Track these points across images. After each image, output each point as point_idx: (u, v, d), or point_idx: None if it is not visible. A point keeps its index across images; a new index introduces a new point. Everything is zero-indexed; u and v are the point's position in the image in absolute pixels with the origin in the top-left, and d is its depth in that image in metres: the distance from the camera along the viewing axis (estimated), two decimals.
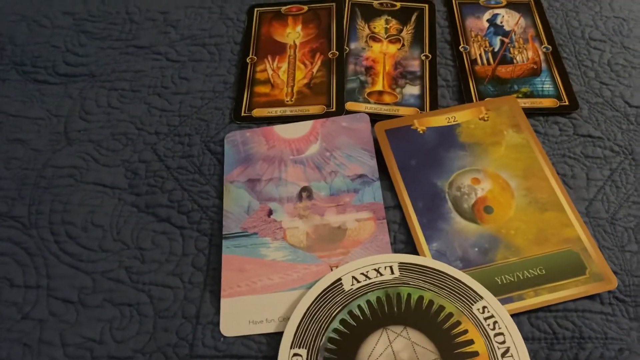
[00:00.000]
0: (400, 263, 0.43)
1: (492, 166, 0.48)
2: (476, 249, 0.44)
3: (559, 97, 0.54)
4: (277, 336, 0.41)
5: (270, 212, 0.47)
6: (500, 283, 0.42)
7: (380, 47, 0.59)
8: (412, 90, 0.55)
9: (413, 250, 0.45)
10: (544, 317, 0.42)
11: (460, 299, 0.41)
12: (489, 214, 0.46)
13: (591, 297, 0.42)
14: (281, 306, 0.43)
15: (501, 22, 0.61)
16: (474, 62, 0.57)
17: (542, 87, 0.55)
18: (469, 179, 0.47)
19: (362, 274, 0.43)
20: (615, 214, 0.47)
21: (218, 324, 0.43)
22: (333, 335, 0.40)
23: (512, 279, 0.42)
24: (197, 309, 0.44)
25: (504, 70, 0.56)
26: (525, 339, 0.41)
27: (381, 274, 0.43)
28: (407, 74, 0.56)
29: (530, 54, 0.58)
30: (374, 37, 0.60)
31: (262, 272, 0.44)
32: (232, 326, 0.42)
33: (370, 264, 0.43)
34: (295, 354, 0.40)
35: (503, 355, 0.39)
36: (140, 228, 0.48)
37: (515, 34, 0.60)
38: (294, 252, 0.45)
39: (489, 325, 0.40)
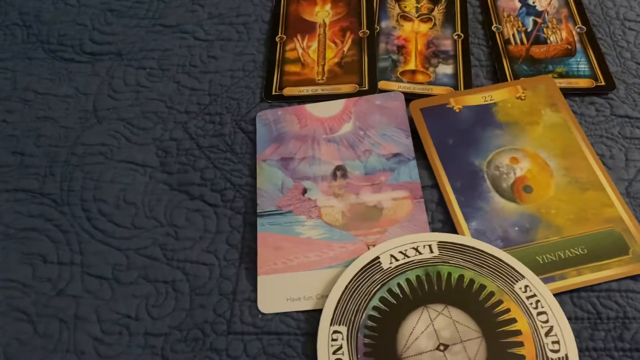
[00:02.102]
0: (440, 242, 0.43)
1: (530, 146, 0.47)
2: (516, 228, 0.43)
3: (595, 77, 0.53)
4: (315, 314, 0.41)
5: (304, 191, 0.47)
6: (541, 262, 0.42)
7: (412, 26, 0.58)
8: (446, 69, 0.54)
9: (452, 229, 0.45)
10: (587, 297, 0.41)
11: (502, 278, 0.41)
12: (529, 194, 0.45)
13: (634, 277, 0.42)
14: (319, 284, 0.42)
15: (533, 2, 0.60)
16: (507, 42, 0.56)
17: (578, 68, 0.54)
18: (508, 158, 0.47)
19: (401, 252, 0.42)
20: None
21: (255, 301, 0.42)
22: (373, 312, 0.40)
23: (554, 258, 0.42)
24: (234, 286, 0.43)
25: (537, 51, 0.55)
26: (569, 318, 0.40)
27: (420, 253, 0.42)
28: (439, 53, 0.56)
29: (564, 34, 0.57)
30: (405, 16, 0.59)
31: (298, 249, 0.44)
32: (269, 303, 0.42)
33: (409, 243, 0.43)
34: (335, 331, 0.39)
35: (547, 334, 0.38)
36: (174, 206, 0.48)
37: (548, 14, 0.59)
38: (330, 231, 0.45)
39: (531, 304, 0.40)
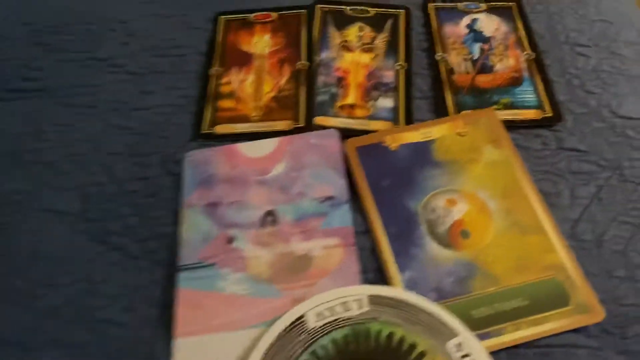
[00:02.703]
0: (370, 296, 0.40)
1: (469, 186, 0.45)
2: (452, 279, 0.41)
3: (541, 107, 0.51)
4: None
5: (230, 240, 0.44)
6: (477, 316, 0.39)
7: (352, 57, 0.55)
8: (386, 102, 0.52)
9: (384, 280, 0.42)
10: (525, 354, 0.38)
11: (434, 334, 0.38)
12: (466, 239, 0.42)
13: (576, 330, 0.39)
14: (240, 347, 0.39)
15: (481, 28, 0.57)
16: (451, 71, 0.54)
17: (524, 97, 0.51)
18: (444, 200, 0.44)
19: (328, 309, 0.40)
20: (602, 235, 0.44)
21: None
22: None
23: (491, 312, 0.39)
24: (150, 350, 0.40)
25: (483, 80, 0.53)
26: None
27: (349, 309, 0.39)
28: (380, 85, 0.53)
29: (511, 61, 0.54)
30: (346, 46, 0.56)
31: (221, 308, 0.41)
32: None
33: (337, 298, 0.40)
34: None
35: None
36: (92, 259, 0.45)
37: (495, 40, 0.56)
38: (255, 285, 0.42)
39: None
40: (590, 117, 0.51)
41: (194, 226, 0.45)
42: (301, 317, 0.39)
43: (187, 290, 0.42)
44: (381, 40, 0.56)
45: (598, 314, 0.39)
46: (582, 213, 0.45)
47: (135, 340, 0.40)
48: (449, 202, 0.44)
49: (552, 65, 0.54)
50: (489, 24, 0.57)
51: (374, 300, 0.40)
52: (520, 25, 0.57)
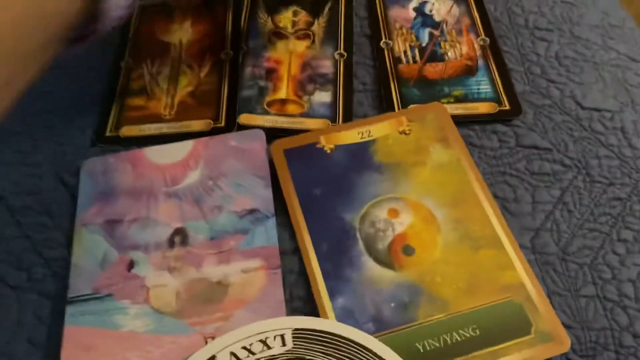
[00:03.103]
0: (295, 330, 0.33)
1: (414, 193, 0.38)
2: (392, 305, 0.34)
3: (498, 100, 0.44)
4: None
5: (131, 265, 0.37)
6: (422, 350, 0.33)
7: (286, 45, 0.48)
8: (323, 97, 0.45)
9: (314, 309, 0.35)
10: None
11: None
12: (409, 256, 0.36)
13: None
14: None
15: (431, 11, 0.51)
16: (397, 60, 0.47)
17: (478, 89, 0.45)
18: (386, 210, 0.38)
19: (244, 347, 0.33)
20: (567, 246, 0.38)
21: None
22: None
23: (438, 345, 0.33)
24: None
25: (432, 70, 0.46)
26: None
27: (269, 347, 0.33)
28: (317, 77, 0.46)
29: (464, 48, 0.48)
30: (278, 33, 0.49)
31: (116, 349, 0.34)
32: None
33: (255, 334, 0.33)
34: None
35: None
36: None
37: (447, 25, 0.50)
38: (158, 320, 0.35)
39: None
40: (553, 109, 0.45)
41: (89, 249, 0.37)
42: (212, 358, 0.32)
43: (75, 327, 0.34)
44: (319, 26, 0.50)
45: (563, 343, 0.33)
46: (545, 221, 0.39)
47: None
48: (390, 213, 0.37)
49: (511, 52, 0.48)
50: (439, 7, 0.51)
51: (300, 335, 0.33)
52: (474, 7, 0.51)
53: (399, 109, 0.43)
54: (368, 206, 0.38)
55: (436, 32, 0.49)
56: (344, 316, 0.34)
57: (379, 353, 0.32)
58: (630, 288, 0.36)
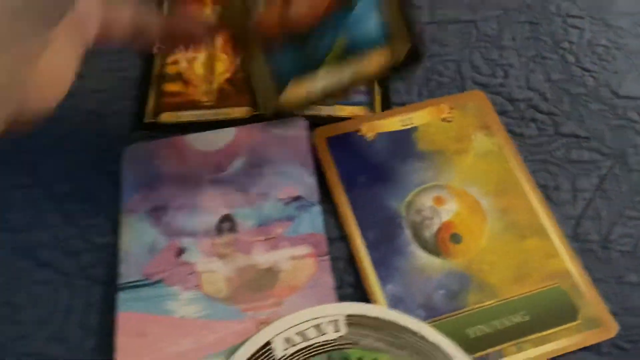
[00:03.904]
0: (348, 316, 0.34)
1: (458, 181, 0.39)
2: (442, 292, 0.35)
3: (392, 42, 0.33)
4: None
5: (180, 252, 0.37)
6: (473, 336, 0.33)
7: None
8: None
9: (363, 296, 0.36)
10: None
11: None
12: (457, 244, 0.36)
13: (587, 349, 0.34)
14: None
15: None
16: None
17: (366, 28, 0.33)
18: (431, 198, 0.38)
19: (299, 333, 0.33)
20: (609, 234, 0.38)
21: None
22: None
23: (488, 330, 0.33)
24: None
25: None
26: None
27: (323, 333, 0.33)
28: None
29: None
30: None
31: (169, 335, 0.34)
32: None
33: (309, 319, 0.34)
34: None
35: None
36: (14, 277, 0.37)
37: None
38: (210, 306, 0.35)
39: None
40: (589, 98, 0.45)
41: (136, 236, 0.37)
42: (267, 344, 0.33)
43: (128, 313, 0.35)
44: None
45: (610, 328, 0.33)
46: (585, 209, 0.39)
47: None
48: (436, 201, 0.38)
49: (545, 40, 0.48)
50: None
51: (353, 321, 0.34)
52: None
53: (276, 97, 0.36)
54: (413, 194, 0.38)
55: None
56: (395, 303, 0.35)
57: (431, 339, 0.33)
58: None
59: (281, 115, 0.40)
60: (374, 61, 0.33)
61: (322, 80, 0.33)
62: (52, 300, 0.37)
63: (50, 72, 0.28)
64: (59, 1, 0.24)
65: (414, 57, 0.33)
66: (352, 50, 0.32)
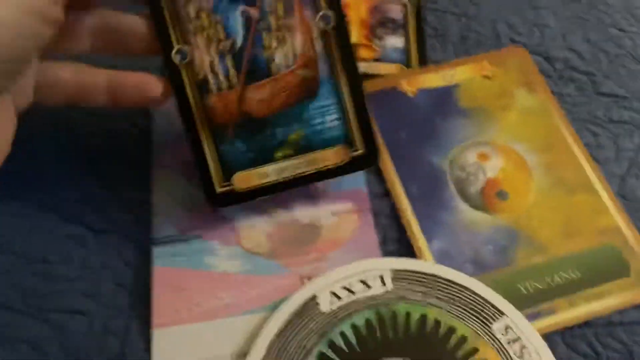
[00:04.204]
0: (394, 270, 0.33)
1: (502, 137, 0.38)
2: (490, 247, 0.34)
3: (348, 140, 0.32)
4: None
5: None
6: (524, 292, 0.32)
7: None
8: (395, 42, 0.44)
9: (409, 251, 0.34)
10: (583, 335, 0.32)
11: (475, 316, 0.31)
12: (504, 201, 0.35)
13: (638, 306, 0.33)
14: (237, 337, 0.31)
15: None
16: (203, 87, 0.31)
17: (323, 123, 0.32)
18: (475, 154, 0.37)
19: (344, 287, 0.32)
20: None
21: None
22: None
23: (540, 286, 0.33)
24: (122, 345, 0.32)
25: (257, 97, 0.31)
26: None
27: (369, 287, 0.32)
28: (387, 22, 0.45)
29: (298, 40, 0.31)
30: None
31: (209, 289, 0.33)
32: None
33: (355, 274, 0.33)
34: None
35: None
36: (42, 233, 0.36)
37: None
38: (251, 261, 0.34)
39: (515, 352, 0.30)
40: (627, 58, 0.44)
41: (170, 191, 0.36)
42: (312, 298, 0.32)
43: (164, 268, 0.33)
44: None
45: None
46: (629, 167, 0.39)
47: (103, 333, 0.32)
48: (480, 157, 0.37)
49: (580, 1, 0.47)
50: None
51: (400, 275, 0.33)
52: None
53: (220, 183, 0.33)
54: (456, 150, 0.37)
55: (254, 13, 0.30)
56: (441, 258, 0.34)
57: (481, 294, 0.32)
58: None
59: (228, 201, 0.33)
60: (329, 158, 0.32)
61: (274, 172, 0.32)
62: (84, 256, 0.35)
63: None
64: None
65: (367, 160, 0.33)
66: (308, 145, 0.32)
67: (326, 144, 0.32)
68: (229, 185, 0.32)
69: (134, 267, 0.35)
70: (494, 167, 0.36)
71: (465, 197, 0.35)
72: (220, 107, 0.31)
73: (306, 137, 0.32)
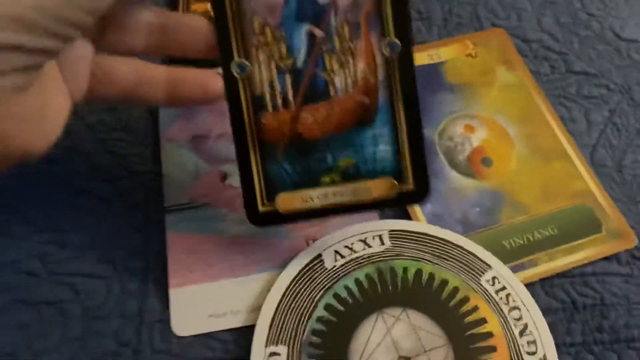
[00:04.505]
0: (391, 231, 0.36)
1: (486, 111, 0.41)
2: (477, 209, 0.37)
3: (399, 173, 0.31)
4: (246, 332, 0.33)
5: (224, 177, 0.38)
6: (509, 247, 0.36)
7: None
8: None
9: (404, 214, 0.38)
10: (561, 284, 0.36)
11: (466, 269, 0.35)
12: (488, 167, 0.39)
13: (608, 258, 0.37)
14: (248, 293, 0.34)
15: None
16: (259, 104, 0.30)
17: (375, 153, 0.31)
18: (462, 126, 0.40)
19: (347, 247, 0.35)
20: (622, 160, 0.41)
21: (169, 321, 0.33)
22: (318, 326, 0.32)
23: (522, 242, 0.36)
24: (140, 305, 0.34)
25: (311, 119, 0.30)
26: (542, 311, 0.34)
27: (369, 246, 0.35)
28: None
29: (360, 66, 0.30)
30: None
31: (220, 252, 0.35)
32: (187, 323, 0.33)
33: (356, 234, 0.35)
34: (272, 353, 0.32)
35: (521, 333, 0.33)
36: (55, 204, 0.37)
37: (336, 12, 0.29)
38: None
39: (501, 299, 0.34)
40: (595, 40, 0.48)
41: (178, 163, 0.38)
42: (318, 256, 0.35)
43: (177, 234, 0.36)
44: None
45: (631, 240, 0.37)
46: (599, 138, 0.42)
47: (122, 294, 0.34)
48: (467, 129, 0.40)
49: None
50: None
51: (396, 235, 0.36)
52: None
53: (262, 202, 0.31)
54: (445, 122, 0.40)
55: (319, 33, 0.29)
56: (434, 220, 0.37)
57: (470, 250, 0.35)
58: None
59: (269, 221, 0.32)
60: (375, 189, 0.31)
61: (317, 196, 0.31)
62: (95, 225, 0.37)
63: (36, 114, 0.26)
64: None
65: (415, 197, 0.32)
66: (356, 173, 0.31)
67: (375, 174, 0.31)
68: (271, 205, 0.31)
69: (144, 234, 0.37)
70: (479, 137, 0.40)
71: (454, 165, 0.39)
72: (274, 125, 0.30)
73: (355, 164, 0.31)
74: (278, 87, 0.30)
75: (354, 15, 0.29)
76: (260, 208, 0.31)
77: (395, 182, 0.31)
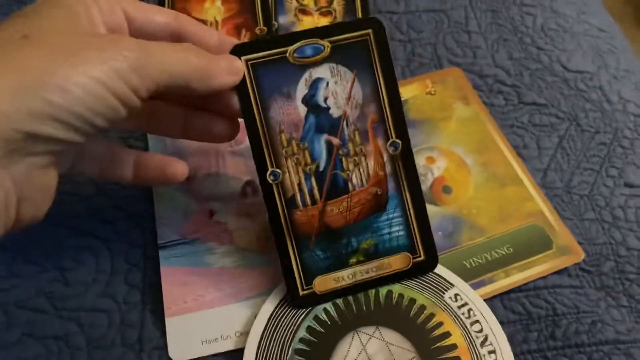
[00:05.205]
0: None
1: (445, 143, 0.45)
2: (440, 233, 0.41)
3: (412, 248, 0.38)
4: (237, 354, 0.37)
5: (212, 213, 0.42)
6: (469, 266, 0.40)
7: (312, 21, 0.54)
8: None
9: None
10: (517, 298, 0.40)
11: (430, 288, 0.39)
12: (448, 195, 0.43)
13: (559, 272, 0.41)
14: (237, 319, 0.38)
15: (326, 101, 0.36)
16: (291, 203, 0.36)
17: (390, 233, 0.37)
18: (424, 158, 0.45)
19: None
20: (570, 182, 0.46)
21: (166, 347, 0.37)
22: (300, 346, 0.36)
23: (481, 261, 0.40)
24: (139, 333, 0.38)
25: (335, 212, 0.36)
26: (501, 323, 0.38)
27: None
28: None
29: (371, 163, 0.36)
30: (303, 10, 0.55)
31: (210, 283, 0.39)
32: (183, 348, 0.37)
33: None
34: None
35: (482, 344, 0.37)
36: (58, 245, 0.41)
37: (348, 124, 0.36)
38: (245, 257, 0.40)
39: (463, 313, 0.38)
40: (544, 72, 0.53)
41: (170, 203, 0.42)
42: None
43: (170, 268, 0.39)
44: (338, 3, 0.56)
45: (578, 254, 0.41)
46: (549, 163, 0.47)
47: (123, 325, 0.38)
48: (428, 160, 0.44)
49: (505, 25, 0.56)
50: (336, 89, 0.35)
51: None
52: (382, 83, 0.36)
53: (302, 287, 0.37)
54: None
55: (336, 141, 0.36)
56: None
57: (434, 270, 0.39)
58: (621, 212, 0.45)
59: (309, 302, 0.37)
60: (394, 263, 0.37)
61: (347, 275, 0.37)
62: (96, 263, 0.41)
63: (46, 185, 0.31)
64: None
65: (427, 266, 0.38)
66: (377, 252, 0.37)
67: (392, 251, 0.37)
68: (310, 289, 0.37)
69: (141, 270, 0.40)
70: (440, 167, 0.44)
71: None
72: (305, 220, 0.36)
73: (376, 245, 0.37)
74: (306, 188, 0.36)
75: (362, 124, 0.36)
76: (301, 292, 0.37)
77: (410, 256, 0.37)
